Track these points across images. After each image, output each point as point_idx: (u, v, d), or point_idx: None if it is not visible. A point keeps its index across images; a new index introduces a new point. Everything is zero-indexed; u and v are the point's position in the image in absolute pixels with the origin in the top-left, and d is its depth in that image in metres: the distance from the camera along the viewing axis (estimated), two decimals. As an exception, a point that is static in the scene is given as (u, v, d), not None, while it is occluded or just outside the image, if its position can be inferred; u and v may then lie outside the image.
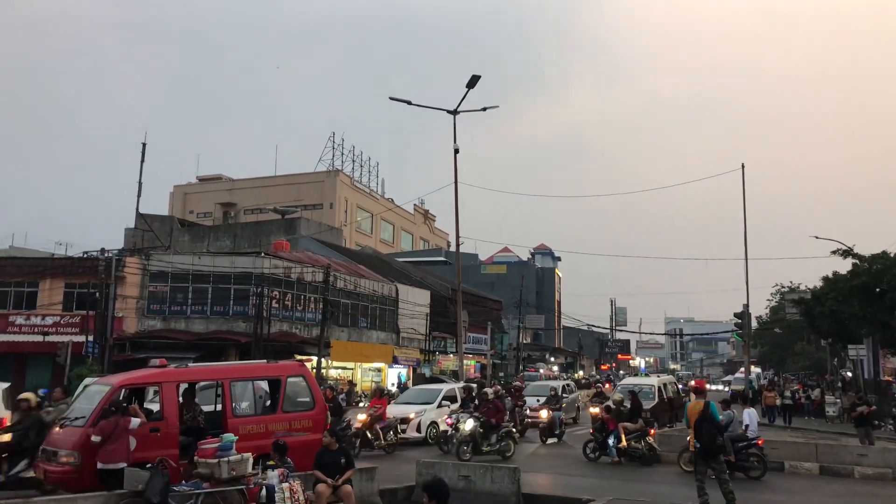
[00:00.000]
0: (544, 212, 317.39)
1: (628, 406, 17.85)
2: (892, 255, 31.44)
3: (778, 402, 32.00)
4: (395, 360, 41.21)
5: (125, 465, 9.66)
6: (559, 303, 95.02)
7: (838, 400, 34.41)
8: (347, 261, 43.98)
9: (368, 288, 40.31)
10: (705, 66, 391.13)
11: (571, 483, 13.92)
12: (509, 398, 21.07)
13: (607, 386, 38.25)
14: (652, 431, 16.60)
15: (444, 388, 22.61)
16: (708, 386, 60.57)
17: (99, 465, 9.67)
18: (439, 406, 20.69)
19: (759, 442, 15.23)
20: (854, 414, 21.41)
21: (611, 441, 16.64)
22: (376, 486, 11.33)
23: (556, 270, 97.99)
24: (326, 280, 34.27)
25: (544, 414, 20.89)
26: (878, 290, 29.26)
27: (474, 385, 23.35)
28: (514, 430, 18.08)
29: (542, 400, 23.63)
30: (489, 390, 19.92)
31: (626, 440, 16.51)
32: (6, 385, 15.47)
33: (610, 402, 18.35)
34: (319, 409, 12.85)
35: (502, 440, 16.82)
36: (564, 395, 25.66)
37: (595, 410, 20.19)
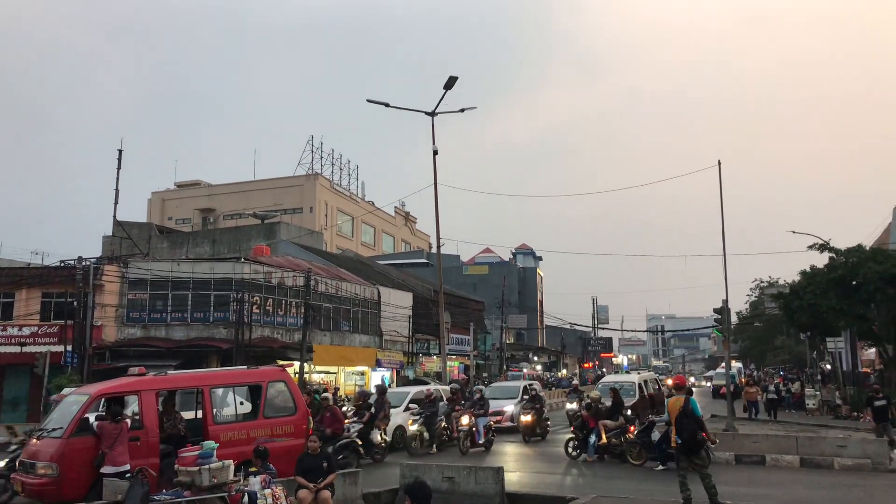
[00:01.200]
0: (525, 212, 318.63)
1: (608, 404, 17.95)
2: (867, 248, 31.91)
3: (760, 397, 32.32)
4: (378, 363, 41.09)
5: (129, 466, 9.67)
6: (541, 302, 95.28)
7: (818, 393, 34.83)
8: (328, 264, 43.81)
9: (350, 291, 40.17)
10: (683, 62, 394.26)
11: (555, 482, 13.97)
12: (444, 402, 20.03)
13: (574, 383, 38.26)
14: (631, 428, 16.60)
15: (412, 391, 22.24)
16: (693, 381, 61.29)
17: (106, 469, 9.61)
18: (405, 409, 20.16)
19: (704, 435, 15.36)
20: (868, 413, 21.20)
21: (591, 439, 16.79)
22: (360, 489, 11.28)
23: (538, 270, 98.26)
24: (307, 284, 34.10)
25: (465, 420, 18.50)
26: (854, 282, 29.64)
27: (458, 385, 23.06)
28: (358, 442, 15.95)
29: (514, 402, 24.08)
30: (328, 395, 18.42)
31: (606, 437, 16.64)
32: None
33: (589, 400, 18.35)
34: (301, 415, 12.80)
35: (340, 453, 14.37)
36: (526, 395, 24.76)
37: (572, 406, 20.42)
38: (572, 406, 23.68)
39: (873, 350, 40.80)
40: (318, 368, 36.42)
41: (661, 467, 15.11)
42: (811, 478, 14.31)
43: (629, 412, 17.54)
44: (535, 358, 77.09)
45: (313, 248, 48.92)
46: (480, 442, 18.49)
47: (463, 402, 20.26)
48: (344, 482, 10.83)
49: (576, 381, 42.64)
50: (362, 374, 40.92)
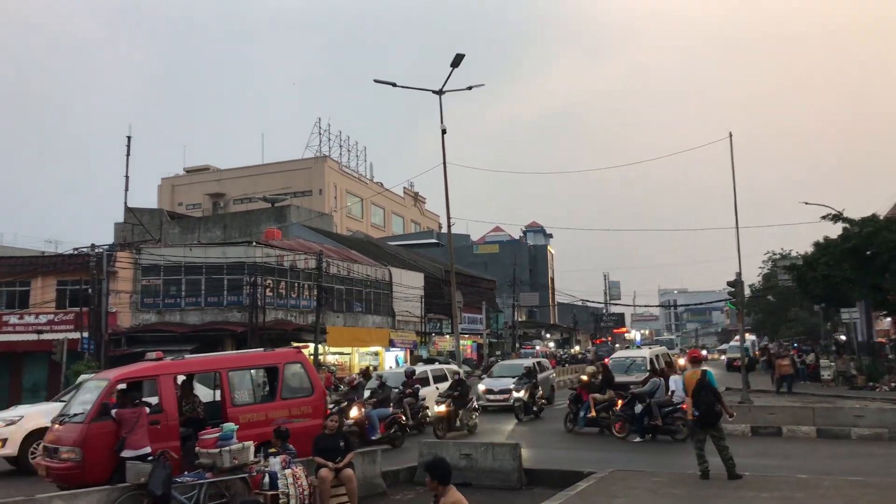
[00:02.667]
0: (535, 190, 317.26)
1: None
2: (881, 217, 31.60)
3: (790, 370, 30.65)
4: (391, 344, 41.30)
5: (149, 449, 9.77)
6: (553, 279, 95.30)
7: (833, 364, 34.68)
8: (339, 246, 43.90)
9: (362, 273, 40.28)
10: (690, 37, 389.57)
11: (569, 457, 14.03)
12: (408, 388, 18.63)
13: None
14: (619, 402, 16.78)
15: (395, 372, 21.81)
16: (706, 354, 61.16)
17: (127, 453, 9.72)
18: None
19: (684, 406, 15.48)
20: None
21: (581, 412, 17.48)
22: (379, 468, 11.38)
23: (549, 247, 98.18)
24: (319, 267, 34.21)
25: (441, 408, 17.54)
26: (868, 252, 29.40)
27: (412, 369, 21.24)
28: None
29: (514, 381, 23.27)
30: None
31: (595, 411, 17.17)
32: None
33: (583, 375, 18.98)
34: (318, 395, 12.89)
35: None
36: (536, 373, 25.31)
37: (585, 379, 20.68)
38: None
39: (889, 320, 40.59)
40: (333, 350, 36.65)
41: (638, 439, 15.85)
42: (829, 448, 14.32)
43: (642, 387, 17.72)
44: (548, 335, 77.23)
45: (324, 231, 49.01)
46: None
47: (418, 386, 18.90)
48: (363, 461, 10.93)
49: (590, 356, 42.77)
50: (376, 354, 41.15)
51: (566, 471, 11.57)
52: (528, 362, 26.71)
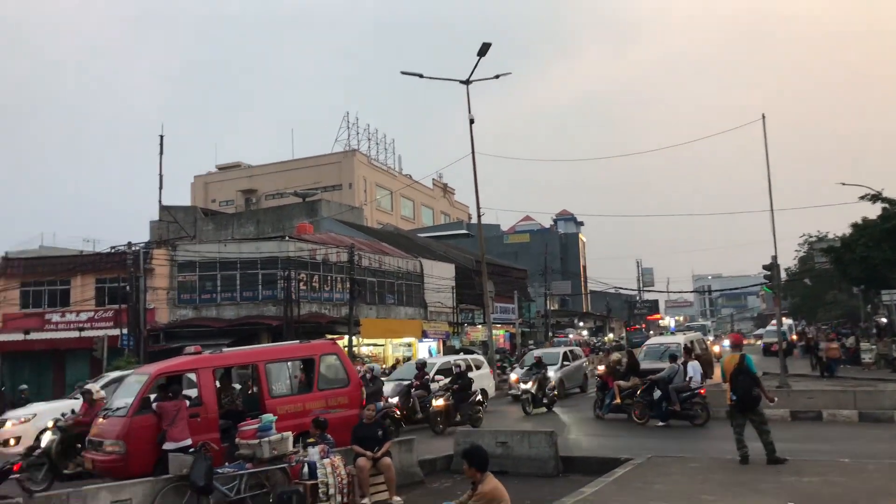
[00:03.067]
0: (566, 178, 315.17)
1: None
2: (922, 196, 30.87)
3: (838, 354, 29.94)
4: (424, 335, 41.44)
5: (190, 441, 9.96)
6: (585, 267, 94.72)
7: (874, 346, 34.00)
8: (370, 239, 44.11)
9: (393, 265, 40.44)
10: (719, 20, 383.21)
11: (604, 444, 14.00)
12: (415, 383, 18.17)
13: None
14: (702, 391, 16.51)
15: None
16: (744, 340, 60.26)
17: (168, 445, 9.93)
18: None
19: (702, 392, 16.21)
20: None
21: (607, 399, 17.65)
22: (415, 457, 11.47)
23: (580, 235, 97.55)
24: (351, 260, 34.44)
25: (440, 402, 16.92)
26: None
27: (423, 361, 21.28)
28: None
29: (555, 368, 23.39)
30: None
31: (620, 397, 17.23)
32: None
33: (600, 365, 19.50)
34: (354, 386, 13.01)
35: None
36: (567, 361, 25.40)
37: (601, 368, 20.69)
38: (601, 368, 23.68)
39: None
40: (366, 341, 36.90)
41: (660, 424, 16.07)
42: (871, 432, 14.08)
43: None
44: (581, 323, 76.82)
45: (355, 224, 49.27)
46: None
47: (426, 378, 18.52)
48: (399, 450, 11.02)
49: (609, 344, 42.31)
50: (409, 345, 41.34)
51: (603, 458, 11.55)
52: (558, 350, 26.65)
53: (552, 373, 23.51)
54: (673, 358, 17.72)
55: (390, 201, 73.74)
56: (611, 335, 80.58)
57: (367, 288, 37.59)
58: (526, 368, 21.33)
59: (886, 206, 30.74)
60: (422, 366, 19.40)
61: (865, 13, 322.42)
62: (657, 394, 16.34)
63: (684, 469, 10.10)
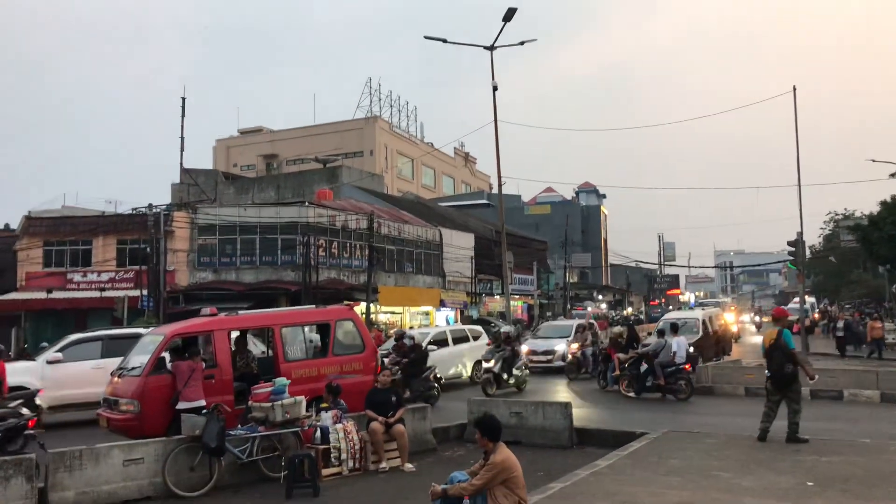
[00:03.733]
0: (588, 149, 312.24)
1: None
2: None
3: (883, 334, 28.66)
4: (442, 304, 41.46)
5: (204, 402, 9.97)
6: (605, 240, 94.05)
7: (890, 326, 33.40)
8: (390, 207, 43.99)
9: (412, 233, 40.36)
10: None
11: (616, 417, 13.90)
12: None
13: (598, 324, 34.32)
14: (687, 367, 16.57)
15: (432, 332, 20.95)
16: (753, 317, 59.83)
17: (181, 405, 9.95)
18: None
19: (686, 367, 16.45)
20: None
21: (609, 371, 18.11)
22: (429, 424, 11.43)
23: (602, 208, 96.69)
24: (371, 227, 34.38)
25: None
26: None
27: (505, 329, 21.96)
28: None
29: (567, 340, 23.37)
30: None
31: (620, 369, 17.59)
32: None
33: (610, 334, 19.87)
34: (369, 352, 12.97)
35: None
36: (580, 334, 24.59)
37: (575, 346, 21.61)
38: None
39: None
40: (384, 309, 36.98)
41: (632, 395, 16.69)
42: (892, 412, 13.83)
43: (692, 349, 17.64)
44: (600, 297, 76.51)
45: (375, 191, 49.15)
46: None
47: (405, 351, 16.98)
48: (413, 417, 10.98)
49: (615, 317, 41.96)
50: (426, 314, 41.41)
51: (618, 431, 11.45)
52: (571, 323, 26.40)
53: (563, 345, 23.44)
54: (661, 333, 18.10)
55: (411, 169, 73.47)
56: (630, 309, 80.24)
57: (385, 255, 37.57)
58: (492, 346, 19.41)
59: (918, 183, 30.01)
60: (400, 337, 17.99)
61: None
62: (644, 367, 16.75)
63: (700, 445, 9.96)
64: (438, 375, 17.12)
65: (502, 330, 23.38)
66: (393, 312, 38.70)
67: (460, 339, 20.87)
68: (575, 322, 27.01)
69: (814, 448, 9.56)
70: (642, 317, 57.99)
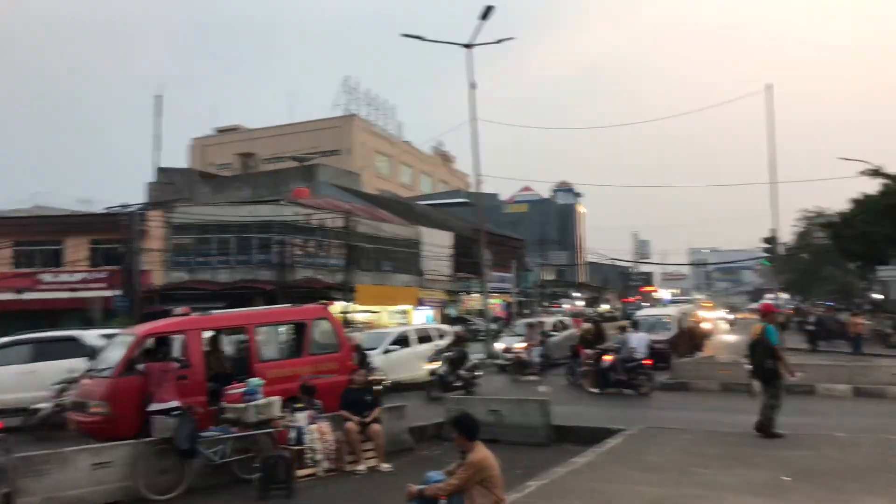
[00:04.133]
0: (566, 148, 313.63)
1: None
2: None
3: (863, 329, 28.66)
4: (420, 302, 41.34)
5: (177, 403, 9.78)
6: (582, 238, 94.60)
7: (868, 322, 33.93)
8: (368, 205, 43.78)
9: (390, 232, 40.19)
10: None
11: (593, 413, 13.93)
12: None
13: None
14: (606, 358, 16.93)
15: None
16: (723, 313, 60.51)
17: (153, 407, 9.74)
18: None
19: (646, 362, 16.83)
20: None
21: (577, 367, 18.33)
22: (406, 423, 11.34)
23: (579, 206, 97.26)
24: (347, 225, 34.20)
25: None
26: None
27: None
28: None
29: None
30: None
31: (585, 365, 17.85)
32: None
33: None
34: (345, 352, 12.85)
35: None
36: (555, 332, 24.81)
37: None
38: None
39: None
40: (362, 308, 36.80)
41: (595, 391, 16.78)
42: (865, 407, 14.00)
43: (665, 345, 17.99)
44: (577, 294, 76.90)
45: (352, 190, 48.90)
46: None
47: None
48: (389, 416, 10.89)
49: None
50: (404, 312, 41.26)
51: (595, 427, 11.43)
52: (548, 320, 26.29)
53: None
54: (622, 329, 18.50)
55: (389, 168, 73.27)
56: (606, 306, 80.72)
57: (363, 254, 37.37)
58: (438, 348, 18.65)
59: (887, 181, 30.49)
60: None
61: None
62: (606, 363, 16.97)
63: (678, 441, 9.98)
64: (384, 378, 16.55)
65: (455, 329, 22.77)
66: (371, 311, 38.52)
67: (425, 338, 20.18)
68: (552, 319, 27.04)
69: (789, 443, 9.61)
70: (618, 314, 58.31)
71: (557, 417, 11.78)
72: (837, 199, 65.15)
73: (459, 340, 18.73)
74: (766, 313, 11.11)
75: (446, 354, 17.46)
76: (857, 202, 32.69)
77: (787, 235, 65.56)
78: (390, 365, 18.31)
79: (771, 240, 25.19)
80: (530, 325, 23.61)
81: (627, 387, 16.49)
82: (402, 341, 19.51)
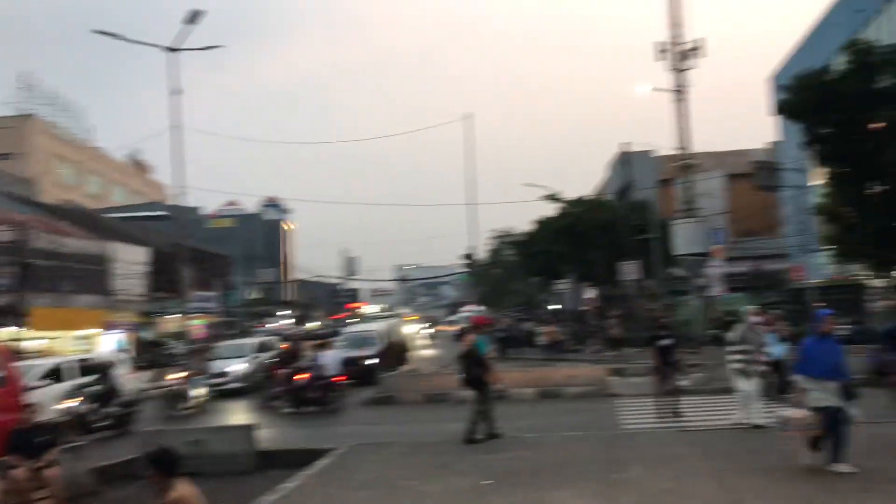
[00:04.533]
0: (277, 163, 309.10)
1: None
2: (590, 198, 35.34)
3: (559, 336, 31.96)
4: (109, 326, 37.52)
5: None
6: (291, 255, 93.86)
7: (547, 330, 38.10)
8: (46, 217, 38.81)
9: (74, 247, 35.96)
10: (435, 19, 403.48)
11: (302, 435, 13.68)
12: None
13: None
14: (298, 377, 16.87)
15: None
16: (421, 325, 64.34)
17: None
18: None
19: (341, 379, 17.37)
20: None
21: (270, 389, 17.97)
22: (86, 464, 10.00)
23: (288, 223, 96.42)
24: (21, 240, 29.91)
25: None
26: (577, 230, 32.72)
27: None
28: None
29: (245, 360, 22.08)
30: None
31: (279, 385, 17.56)
32: None
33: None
34: (12, 387, 11.01)
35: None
36: (260, 353, 23.52)
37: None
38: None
39: (593, 290, 45.66)
40: (38, 334, 32.34)
41: (289, 410, 16.71)
42: (548, 408, 15.46)
43: (375, 360, 18.46)
44: (285, 312, 75.93)
45: (27, 199, 43.09)
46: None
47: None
48: (68, 457, 9.50)
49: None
50: (89, 338, 37.13)
51: (304, 449, 11.12)
52: (251, 342, 25.24)
53: (241, 365, 21.95)
54: (318, 347, 18.85)
55: (76, 176, 65.98)
56: (316, 323, 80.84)
57: (39, 273, 32.91)
58: (78, 386, 15.64)
59: (564, 205, 34.61)
60: None
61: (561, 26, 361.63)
62: (300, 382, 16.92)
63: (386, 455, 10.05)
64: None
65: (103, 357, 19.71)
66: (50, 338, 34.01)
67: (92, 369, 16.53)
68: (255, 340, 26.02)
69: (489, 447, 10.19)
70: (327, 331, 58.64)
71: (264, 442, 11.24)
72: (526, 219, 72.55)
73: (104, 369, 16.05)
74: (477, 325, 11.95)
75: (89, 389, 14.95)
76: (539, 223, 36.63)
77: (482, 252, 71.57)
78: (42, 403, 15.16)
79: (469, 256, 27.05)
80: (195, 352, 22.11)
81: (320, 403, 16.59)
82: (53, 374, 16.05)
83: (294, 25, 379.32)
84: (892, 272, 20.82)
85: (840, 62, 19.67)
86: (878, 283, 23.00)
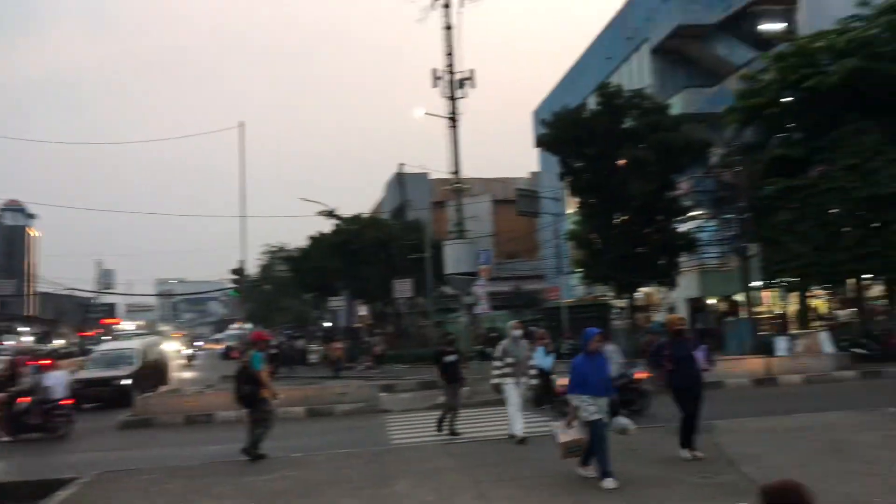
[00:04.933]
0: (18, 163, 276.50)
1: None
2: (366, 216, 35.73)
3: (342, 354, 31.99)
4: None
5: None
6: (34, 265, 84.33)
7: (320, 347, 37.84)
8: None
9: None
10: (208, 24, 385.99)
11: (41, 463, 12.25)
12: None
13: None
14: (70, 401, 15.48)
15: None
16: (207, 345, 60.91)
17: None
18: None
19: (68, 402, 15.51)
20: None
21: None
22: None
23: (32, 229, 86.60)
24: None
25: None
26: (352, 247, 32.91)
27: None
28: None
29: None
30: None
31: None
32: None
33: None
34: None
35: None
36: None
37: None
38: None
39: (366, 307, 46.09)
40: None
41: (7, 439, 14.85)
42: (317, 426, 15.23)
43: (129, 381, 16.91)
44: (26, 329, 67.89)
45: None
46: None
47: None
48: None
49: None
50: None
51: (40, 480, 9.89)
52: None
53: None
54: (37, 370, 16.88)
55: None
56: (63, 341, 73.08)
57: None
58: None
59: (339, 222, 34.62)
60: None
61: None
62: (23, 406, 15.09)
63: (139, 482, 9.24)
64: None
65: None
66: None
67: None
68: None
69: (254, 468, 9.76)
70: (75, 349, 53.21)
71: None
72: (300, 235, 71.28)
73: None
74: (255, 341, 11.54)
75: None
76: (314, 239, 36.26)
77: (252, 268, 69.28)
78: None
79: (239, 271, 26.08)
80: None
81: (45, 431, 14.86)
82: None
83: (49, 21, 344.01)
84: (632, 293, 23.44)
85: (593, 102, 21.88)
86: (620, 303, 25.68)
